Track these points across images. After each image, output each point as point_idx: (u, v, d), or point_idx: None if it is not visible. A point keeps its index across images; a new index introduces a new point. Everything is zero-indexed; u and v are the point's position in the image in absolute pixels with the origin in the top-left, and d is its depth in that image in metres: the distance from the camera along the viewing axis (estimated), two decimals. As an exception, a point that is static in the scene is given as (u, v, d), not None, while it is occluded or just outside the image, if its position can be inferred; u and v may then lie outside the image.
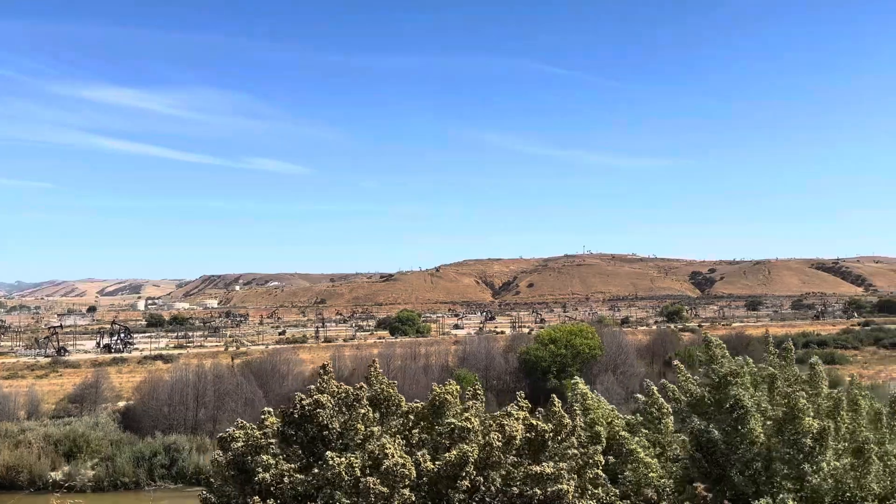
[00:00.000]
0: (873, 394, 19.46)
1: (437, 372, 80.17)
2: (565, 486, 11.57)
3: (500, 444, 12.02)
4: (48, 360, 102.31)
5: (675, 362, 17.85)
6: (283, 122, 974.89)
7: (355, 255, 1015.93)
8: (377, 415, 13.18)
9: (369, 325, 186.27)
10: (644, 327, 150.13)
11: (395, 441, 12.15)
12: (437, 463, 11.78)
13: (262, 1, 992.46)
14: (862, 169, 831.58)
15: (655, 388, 16.10)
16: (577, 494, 11.99)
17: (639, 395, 17.10)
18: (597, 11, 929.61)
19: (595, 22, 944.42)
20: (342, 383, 13.43)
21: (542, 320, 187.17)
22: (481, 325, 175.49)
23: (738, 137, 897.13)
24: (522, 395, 14.94)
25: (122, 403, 73.98)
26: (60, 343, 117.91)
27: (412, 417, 13.59)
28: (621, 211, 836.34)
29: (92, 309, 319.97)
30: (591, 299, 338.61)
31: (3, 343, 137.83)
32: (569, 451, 12.79)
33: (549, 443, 12.80)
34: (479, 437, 12.26)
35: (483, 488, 11.89)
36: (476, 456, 11.74)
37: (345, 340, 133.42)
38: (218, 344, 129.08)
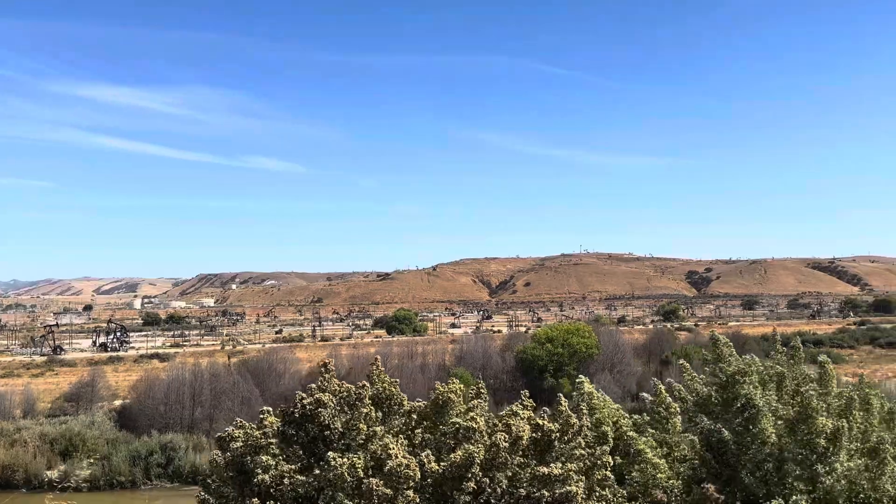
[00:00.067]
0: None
1: (434, 371, 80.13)
2: (574, 488, 11.33)
3: (506, 444, 11.77)
4: (44, 358, 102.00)
5: (681, 361, 17.69)
6: (280, 120, 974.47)
7: (352, 254, 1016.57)
8: (379, 414, 12.95)
9: (366, 324, 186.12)
10: (640, 326, 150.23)
11: (398, 441, 11.92)
12: (441, 464, 11.54)
13: (261, 0, 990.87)
14: (859, 169, 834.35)
15: (663, 388, 15.85)
16: (584, 496, 11.76)
17: (645, 395, 16.83)
18: (596, 11, 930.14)
19: (594, 22, 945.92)
20: (343, 382, 13.21)
21: (539, 319, 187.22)
22: (478, 324, 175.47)
23: (734, 137, 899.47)
24: (526, 394, 14.67)
25: (118, 402, 73.79)
26: (56, 342, 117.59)
27: (414, 417, 13.34)
28: (618, 210, 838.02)
29: (88, 307, 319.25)
30: (587, 298, 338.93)
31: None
32: (576, 452, 12.53)
33: (556, 443, 12.57)
34: (485, 438, 12.03)
35: (489, 490, 11.64)
36: (482, 457, 11.52)
37: (342, 339, 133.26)
38: (214, 343, 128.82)
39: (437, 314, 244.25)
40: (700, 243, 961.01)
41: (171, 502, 55.10)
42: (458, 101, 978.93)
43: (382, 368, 13.89)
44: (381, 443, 11.65)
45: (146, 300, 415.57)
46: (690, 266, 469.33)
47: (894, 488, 13.34)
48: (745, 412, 13.87)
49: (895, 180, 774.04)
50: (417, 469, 11.19)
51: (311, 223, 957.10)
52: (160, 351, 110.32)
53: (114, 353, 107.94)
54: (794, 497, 12.62)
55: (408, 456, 11.37)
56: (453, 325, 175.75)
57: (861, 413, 14.59)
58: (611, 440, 14.25)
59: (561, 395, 14.48)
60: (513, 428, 12.08)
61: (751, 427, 13.73)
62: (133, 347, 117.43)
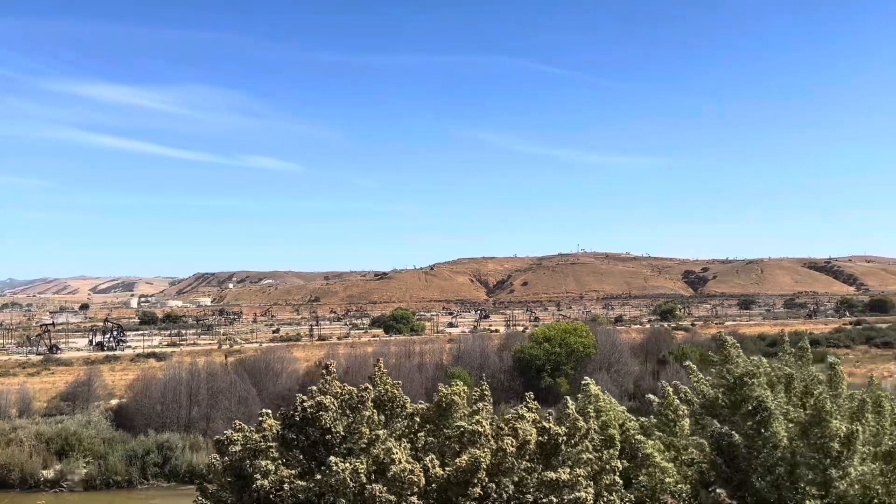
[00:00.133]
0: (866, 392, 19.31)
1: (432, 370, 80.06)
2: (583, 494, 11.07)
3: (513, 449, 11.48)
4: (40, 357, 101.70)
5: (687, 363, 17.49)
6: (278, 120, 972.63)
7: (350, 254, 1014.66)
8: (382, 417, 12.67)
9: (363, 324, 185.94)
10: (637, 326, 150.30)
11: (401, 445, 11.67)
12: (446, 469, 11.26)
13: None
14: (855, 169, 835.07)
15: (671, 390, 15.60)
16: (592, 502, 11.50)
17: (651, 396, 16.58)
18: (594, 10, 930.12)
19: (592, 21, 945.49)
20: (345, 384, 12.88)
21: (537, 319, 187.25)
22: (476, 324, 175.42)
23: (731, 137, 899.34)
24: (531, 396, 14.37)
25: (114, 401, 73.58)
26: (52, 341, 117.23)
27: (417, 420, 13.06)
28: (616, 210, 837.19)
29: (84, 306, 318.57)
30: (584, 298, 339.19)
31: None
32: (583, 456, 12.25)
33: (563, 447, 12.27)
34: (491, 442, 11.75)
35: (495, 496, 11.36)
36: (488, 462, 11.24)
37: (339, 339, 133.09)
38: (211, 342, 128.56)
39: (434, 313, 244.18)
40: (697, 243, 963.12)
41: (168, 502, 54.95)
42: (457, 100, 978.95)
43: (385, 370, 13.64)
44: (383, 447, 11.42)
45: (143, 299, 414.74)
46: (687, 266, 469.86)
47: (909, 493, 13.10)
48: (756, 415, 13.61)
49: (892, 180, 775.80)
50: (422, 475, 10.93)
51: (309, 222, 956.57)
52: (157, 350, 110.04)
53: (110, 353, 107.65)
54: (807, 502, 12.42)
55: (411, 461, 11.12)
56: (451, 325, 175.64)
57: (873, 416, 14.35)
58: (618, 443, 13.98)
59: (567, 398, 14.23)
60: (519, 432, 11.81)
61: (762, 430, 13.49)
62: (129, 346, 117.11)
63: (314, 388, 12.84)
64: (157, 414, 65.53)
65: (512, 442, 11.59)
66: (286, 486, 11.41)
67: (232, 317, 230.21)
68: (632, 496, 13.32)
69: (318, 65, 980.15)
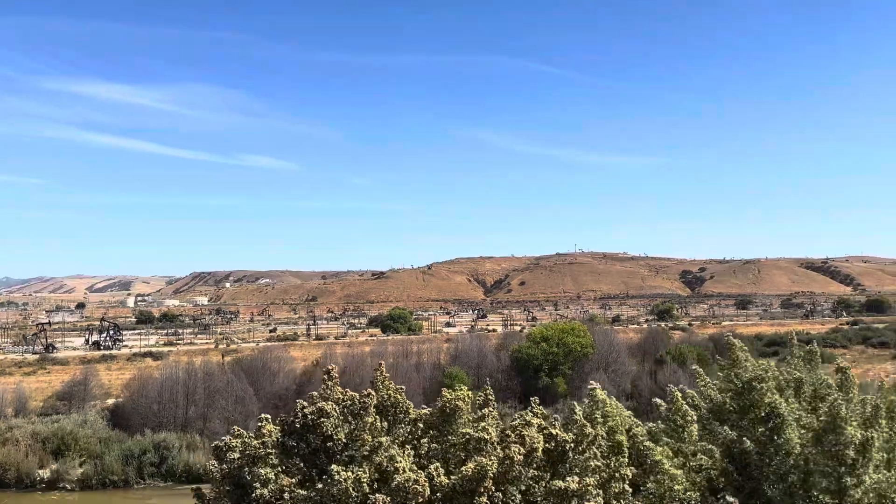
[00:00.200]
0: (862, 392, 19.06)
1: (430, 370, 79.99)
2: None
3: (520, 457, 11.13)
4: (36, 357, 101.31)
5: (694, 367, 17.28)
6: (276, 119, 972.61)
7: (347, 253, 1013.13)
8: (385, 424, 12.32)
9: (361, 323, 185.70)
10: (635, 326, 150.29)
11: (404, 452, 11.37)
12: (452, 478, 10.93)
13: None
14: (853, 169, 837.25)
15: (679, 395, 15.27)
16: None
17: (658, 401, 16.26)
18: (593, 9, 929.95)
19: (590, 20, 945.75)
20: (347, 389, 12.51)
21: (534, 318, 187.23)
22: (473, 323, 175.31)
23: (730, 137, 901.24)
24: (536, 401, 14.00)
25: (111, 401, 73.37)
26: (49, 340, 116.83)
27: (421, 426, 12.72)
28: (613, 210, 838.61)
29: (81, 306, 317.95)
30: (582, 298, 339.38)
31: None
32: (591, 464, 11.89)
33: (570, 454, 11.96)
34: (497, 450, 11.42)
35: None
36: (495, 470, 10.89)
37: (336, 338, 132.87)
38: (208, 341, 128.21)
39: (432, 313, 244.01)
40: (694, 243, 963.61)
41: (165, 501, 54.83)
42: (456, 100, 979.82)
43: (387, 374, 13.26)
44: (386, 455, 11.12)
45: (139, 298, 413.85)
46: (684, 266, 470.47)
47: (926, 502, 12.83)
48: (769, 421, 13.34)
49: (889, 181, 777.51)
50: (426, 484, 10.62)
51: (306, 222, 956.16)
52: (153, 349, 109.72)
53: (107, 352, 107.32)
54: (822, 510, 12.09)
55: (416, 469, 10.83)
56: (448, 324, 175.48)
57: (886, 421, 14.07)
58: (626, 450, 13.64)
59: (575, 403, 13.94)
60: (527, 439, 11.47)
61: (775, 437, 13.22)
62: (126, 346, 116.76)
63: (315, 393, 12.54)
64: (154, 413, 65.36)
65: (519, 449, 11.28)
66: (286, 496, 11.12)
67: (229, 316, 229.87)
68: (639, 504, 13.08)
69: (317, 64, 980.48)
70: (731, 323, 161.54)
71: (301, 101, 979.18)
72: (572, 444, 12.04)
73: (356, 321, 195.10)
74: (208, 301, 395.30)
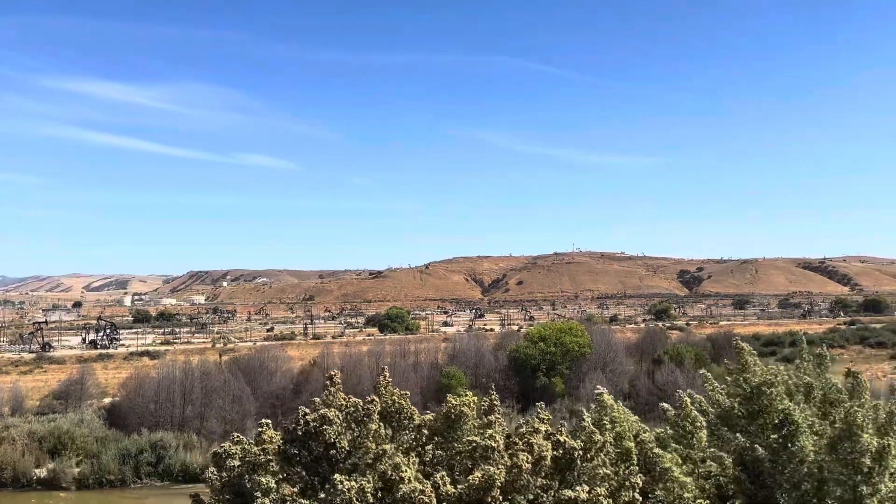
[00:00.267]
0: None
1: (427, 370, 79.89)
2: None
3: (528, 465, 10.79)
4: (32, 355, 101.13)
5: (702, 371, 16.94)
6: (273, 118, 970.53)
7: (344, 252, 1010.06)
8: (388, 431, 11.95)
9: (358, 322, 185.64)
10: (632, 325, 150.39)
11: (409, 460, 11.01)
12: (458, 487, 10.57)
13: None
14: (850, 169, 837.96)
15: (688, 400, 14.86)
16: None
17: (664, 405, 15.94)
18: (593, 8, 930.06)
19: (591, 21, 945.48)
20: (350, 396, 12.14)
21: (532, 318, 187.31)
22: (471, 323, 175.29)
23: (728, 137, 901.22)
24: (542, 406, 13.62)
25: (107, 400, 73.21)
26: (45, 339, 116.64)
27: (425, 432, 12.39)
28: (611, 209, 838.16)
29: (77, 304, 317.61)
30: (579, 297, 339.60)
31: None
32: (599, 472, 11.52)
33: (578, 462, 11.57)
34: (505, 458, 11.09)
35: None
36: (502, 479, 10.53)
37: (333, 337, 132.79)
38: (205, 340, 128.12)
39: (429, 312, 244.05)
40: (692, 242, 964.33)
41: (161, 501, 54.70)
42: (454, 100, 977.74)
43: (390, 379, 12.85)
44: (391, 463, 10.78)
45: (136, 297, 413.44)
46: (682, 265, 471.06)
47: (943, 512, 12.52)
48: (782, 428, 12.98)
49: (885, 181, 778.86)
50: (432, 494, 10.25)
51: (304, 221, 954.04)
52: (150, 348, 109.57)
53: (103, 351, 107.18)
54: (835, 519, 11.85)
55: (421, 478, 10.52)
56: (446, 324, 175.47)
57: None
58: (635, 457, 13.29)
59: (584, 409, 13.58)
60: (535, 447, 11.15)
61: (789, 445, 12.87)
62: (123, 345, 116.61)
63: (317, 399, 12.18)
64: (151, 413, 65.19)
65: (527, 458, 10.96)
66: (288, 506, 10.77)
67: (226, 315, 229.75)
68: (649, 512, 12.75)
69: (316, 64, 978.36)
70: (729, 323, 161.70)
71: (300, 101, 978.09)
72: (580, 452, 11.73)
73: (353, 320, 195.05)
74: (205, 300, 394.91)
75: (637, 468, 12.62)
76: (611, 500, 11.24)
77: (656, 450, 13.59)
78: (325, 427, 11.27)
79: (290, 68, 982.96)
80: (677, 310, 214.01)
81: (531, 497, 11.24)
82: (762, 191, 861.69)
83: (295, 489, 11.15)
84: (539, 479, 11.27)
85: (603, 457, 11.98)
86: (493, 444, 11.11)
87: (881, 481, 12.32)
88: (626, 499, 11.61)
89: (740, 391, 14.43)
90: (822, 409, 14.41)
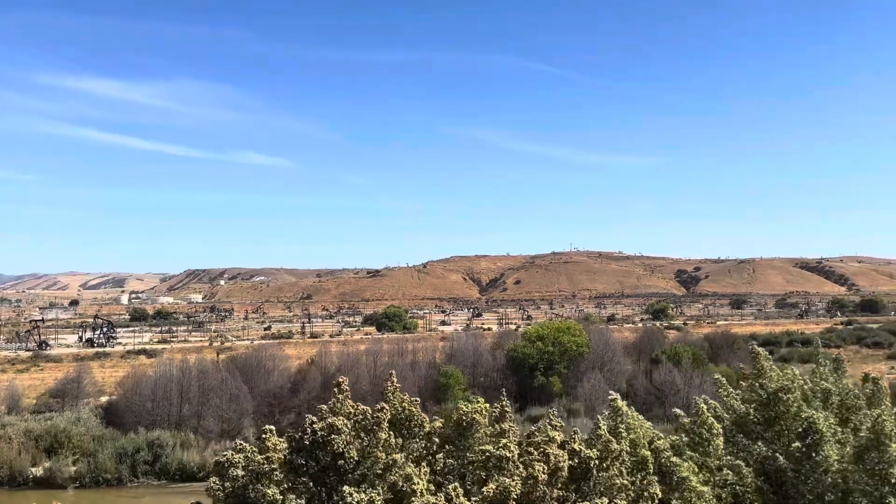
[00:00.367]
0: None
1: (425, 369, 79.79)
2: None
3: (545, 476, 10.28)
4: (29, 354, 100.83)
5: (717, 376, 16.64)
6: (271, 115, 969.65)
7: (342, 251, 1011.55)
8: (399, 440, 11.44)
9: (356, 321, 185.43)
10: (630, 325, 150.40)
11: (420, 470, 10.47)
12: (472, 499, 10.07)
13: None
14: (848, 169, 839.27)
15: (705, 407, 14.34)
16: None
17: (677, 411, 15.50)
18: (592, 8, 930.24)
19: (591, 21, 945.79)
20: (358, 404, 11.63)
21: (529, 317, 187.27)
22: (468, 322, 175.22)
23: (725, 136, 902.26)
24: (554, 412, 13.15)
25: (104, 398, 73.02)
26: (42, 337, 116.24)
27: (436, 440, 11.88)
28: (609, 209, 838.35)
29: (74, 302, 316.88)
30: (577, 297, 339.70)
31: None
32: (616, 482, 11.03)
33: (594, 471, 11.05)
34: (520, 468, 10.59)
35: None
36: (518, 491, 9.96)
37: (331, 336, 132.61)
38: (202, 339, 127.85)
39: (427, 311, 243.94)
40: (689, 242, 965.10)
41: (158, 500, 54.58)
42: (452, 98, 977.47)
43: (398, 384, 12.38)
44: (402, 473, 10.30)
45: (133, 295, 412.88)
46: (679, 265, 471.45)
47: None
48: (806, 437, 12.49)
49: (884, 181, 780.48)
50: None
51: (301, 219, 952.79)
52: (147, 347, 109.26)
53: (100, 349, 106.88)
54: (861, 532, 11.42)
55: (433, 490, 10.04)
56: (443, 323, 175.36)
57: None
58: (651, 466, 12.74)
59: (600, 417, 13.17)
60: (551, 457, 10.64)
61: (812, 454, 12.33)
62: (120, 343, 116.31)
63: (324, 407, 11.72)
64: (148, 411, 65.04)
65: (543, 468, 10.46)
66: (295, 518, 10.36)
67: (223, 314, 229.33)
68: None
69: (314, 62, 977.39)
70: (726, 323, 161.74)
71: (298, 99, 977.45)
72: (596, 461, 11.26)
73: (351, 319, 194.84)
74: (202, 298, 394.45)
75: (656, 478, 12.17)
76: (629, 512, 10.82)
77: (673, 458, 13.17)
78: (333, 436, 10.78)
79: (289, 66, 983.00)
80: (675, 309, 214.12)
81: (547, 509, 10.79)
82: (760, 191, 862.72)
83: (302, 501, 10.72)
84: (555, 491, 10.77)
85: (619, 466, 11.51)
86: (508, 454, 10.66)
87: (908, 492, 12.11)
88: (644, 510, 11.16)
89: (756, 397, 14.05)
90: (840, 416, 14.07)
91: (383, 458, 10.71)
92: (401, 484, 10.03)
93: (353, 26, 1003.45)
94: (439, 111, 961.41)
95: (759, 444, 13.41)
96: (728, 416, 14.50)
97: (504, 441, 11.18)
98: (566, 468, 10.84)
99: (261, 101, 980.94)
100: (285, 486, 10.90)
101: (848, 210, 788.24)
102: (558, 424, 12.39)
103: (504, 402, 12.72)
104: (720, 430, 13.97)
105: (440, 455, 11.75)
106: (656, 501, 11.44)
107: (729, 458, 13.80)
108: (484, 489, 10.06)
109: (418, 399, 12.31)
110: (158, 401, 65.99)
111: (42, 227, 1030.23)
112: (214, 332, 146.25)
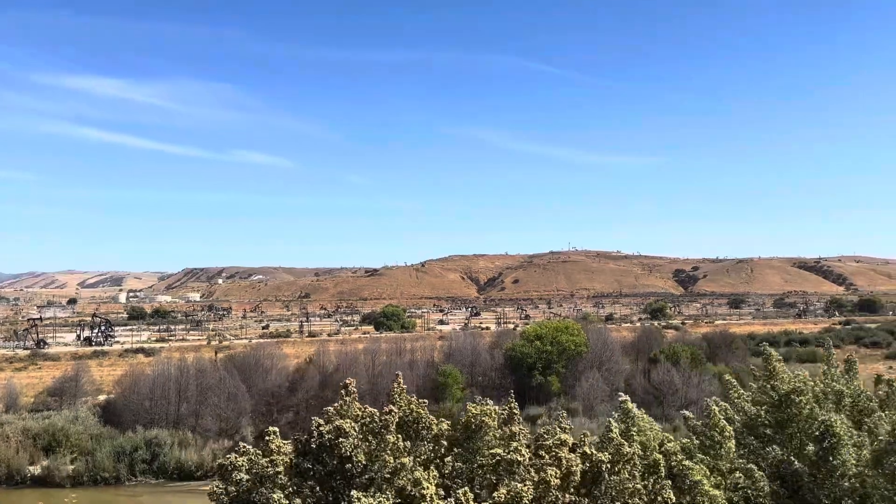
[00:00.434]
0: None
1: (423, 368, 79.62)
2: None
3: (557, 481, 10.06)
4: (27, 352, 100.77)
5: (727, 377, 16.45)
6: (270, 115, 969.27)
7: (340, 250, 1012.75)
8: (407, 443, 11.18)
9: (354, 320, 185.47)
10: (628, 324, 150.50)
11: (429, 475, 10.24)
12: None
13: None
14: (847, 169, 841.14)
15: (717, 409, 14.08)
16: None
17: (686, 413, 15.25)
18: (593, 10, 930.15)
19: (591, 21, 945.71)
20: (366, 406, 11.37)
21: (527, 316, 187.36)
22: (466, 321, 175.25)
23: (725, 136, 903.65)
24: (564, 414, 12.93)
25: (102, 397, 72.85)
26: (40, 335, 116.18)
27: (444, 443, 11.69)
28: (607, 208, 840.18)
29: (72, 301, 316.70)
30: (575, 296, 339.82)
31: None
32: (628, 486, 10.81)
33: (606, 475, 10.84)
34: (531, 473, 10.40)
35: None
36: (531, 496, 9.75)
37: (329, 335, 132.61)
38: (200, 338, 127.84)
39: (425, 310, 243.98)
40: (687, 242, 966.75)
41: (156, 498, 54.45)
42: (451, 98, 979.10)
43: (404, 386, 12.09)
44: (410, 477, 10.09)
45: (131, 294, 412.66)
46: (678, 265, 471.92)
47: None
48: (823, 441, 12.31)
49: (883, 181, 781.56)
50: None
51: (300, 218, 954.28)
52: (145, 345, 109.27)
53: (98, 348, 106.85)
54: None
55: (443, 494, 9.85)
56: (441, 322, 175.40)
57: None
58: (663, 469, 12.47)
59: (611, 420, 12.98)
60: (563, 461, 10.41)
61: (831, 458, 12.17)
62: (118, 342, 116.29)
63: (331, 409, 11.46)
64: (146, 410, 64.86)
65: (556, 473, 10.24)
66: (301, 523, 10.11)
67: (221, 312, 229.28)
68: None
69: (314, 61, 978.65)
70: (724, 322, 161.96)
71: (298, 98, 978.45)
72: (608, 465, 11.02)
73: (349, 318, 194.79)
74: (200, 297, 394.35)
75: (669, 482, 11.92)
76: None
77: (686, 462, 12.89)
78: (340, 440, 10.52)
79: (289, 66, 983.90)
80: (673, 309, 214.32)
81: (560, 515, 10.54)
82: (759, 190, 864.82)
83: (307, 505, 10.45)
84: (567, 496, 10.56)
85: (631, 469, 11.29)
86: (519, 458, 10.44)
87: (929, 498, 11.76)
88: (658, 514, 10.94)
89: (767, 399, 13.88)
90: (853, 418, 13.89)
91: (391, 461, 10.46)
92: (409, 489, 9.83)
93: (353, 26, 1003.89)
94: (439, 111, 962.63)
95: (775, 447, 13.24)
96: (739, 419, 14.31)
97: (515, 445, 10.97)
98: (579, 473, 10.64)
99: (260, 101, 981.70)
100: (290, 489, 10.66)
101: (846, 210, 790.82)
102: (568, 427, 12.16)
103: (512, 405, 12.48)
104: (731, 433, 13.77)
105: (448, 458, 11.49)
106: None
107: (741, 461, 13.60)
108: (495, 494, 9.84)
109: (426, 401, 12.09)
110: (156, 399, 65.82)
111: (41, 226, 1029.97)
112: (212, 330, 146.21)
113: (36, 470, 56.60)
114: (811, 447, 12.81)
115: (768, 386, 14.06)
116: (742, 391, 14.96)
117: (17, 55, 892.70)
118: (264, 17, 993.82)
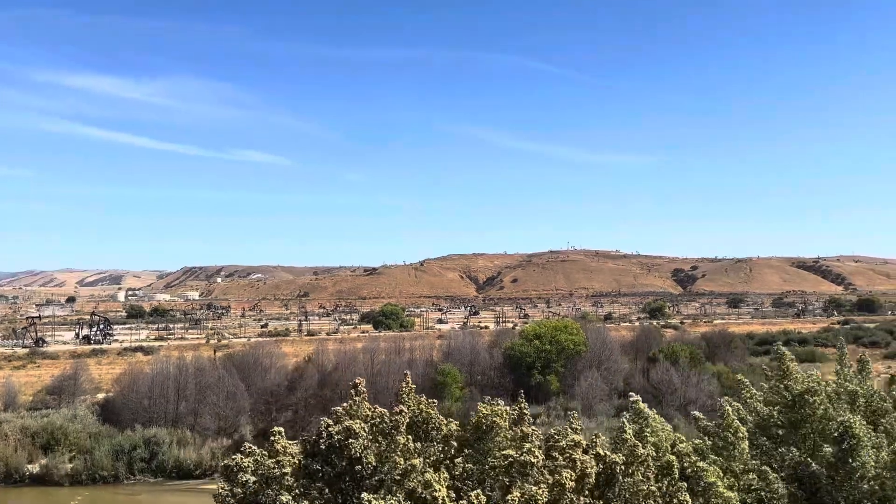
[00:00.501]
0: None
1: (422, 367, 79.49)
2: None
3: (572, 483, 9.87)
4: (26, 350, 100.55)
5: (739, 377, 16.21)
6: (269, 113, 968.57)
7: (339, 249, 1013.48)
8: (417, 444, 11.00)
9: (353, 319, 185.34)
10: (627, 324, 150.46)
11: (440, 476, 10.13)
12: None
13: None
14: (845, 169, 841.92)
15: (730, 410, 13.85)
16: None
17: (697, 414, 15.04)
18: (593, 9, 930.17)
19: (590, 20, 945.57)
20: (375, 406, 11.17)
21: (526, 316, 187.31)
22: (465, 320, 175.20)
23: (724, 136, 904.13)
24: (575, 415, 12.66)
25: (101, 396, 72.71)
26: (38, 334, 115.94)
27: (454, 444, 11.51)
28: (606, 208, 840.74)
29: (71, 299, 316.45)
30: (574, 295, 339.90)
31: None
32: (642, 488, 10.64)
33: (619, 477, 10.69)
34: (545, 475, 10.23)
35: None
36: (545, 499, 9.61)
37: (328, 334, 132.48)
38: (199, 336, 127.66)
39: (424, 309, 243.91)
40: (686, 241, 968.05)
41: (155, 497, 54.33)
42: (451, 96, 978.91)
43: (413, 385, 11.84)
44: (421, 479, 9.94)
45: (130, 292, 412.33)
46: (676, 264, 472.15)
47: None
48: (842, 442, 12.17)
49: (881, 181, 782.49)
50: None
51: (299, 217, 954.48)
52: (144, 344, 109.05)
53: (97, 346, 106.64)
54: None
55: (454, 497, 9.69)
56: (440, 321, 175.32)
57: None
58: (677, 471, 12.29)
59: (625, 420, 12.84)
60: (577, 462, 10.22)
61: (850, 460, 12.01)
62: (117, 340, 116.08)
63: (340, 409, 11.26)
64: (145, 408, 64.74)
65: (570, 475, 10.06)
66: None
67: (220, 311, 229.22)
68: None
69: (313, 60, 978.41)
70: (723, 322, 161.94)
71: (296, 97, 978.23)
72: (622, 467, 10.89)
73: (348, 317, 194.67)
74: (199, 296, 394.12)
75: (685, 484, 11.84)
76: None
77: (700, 463, 12.79)
78: (350, 441, 10.36)
79: (289, 64, 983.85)
80: (671, 308, 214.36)
81: (573, 518, 10.38)
82: (758, 190, 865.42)
83: (316, 508, 10.31)
84: (581, 498, 10.42)
85: (645, 471, 11.13)
86: (532, 460, 10.25)
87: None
88: (674, 517, 10.80)
89: (780, 399, 13.77)
90: (867, 419, 13.77)
91: (402, 463, 10.29)
92: (420, 491, 9.67)
93: (352, 25, 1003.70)
94: (438, 110, 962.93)
95: (792, 448, 13.08)
96: (752, 419, 14.16)
97: (528, 446, 10.80)
98: (593, 475, 10.49)
99: (260, 99, 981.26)
100: (298, 491, 10.50)
101: (845, 210, 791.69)
102: (580, 427, 11.96)
103: (523, 405, 12.28)
104: (745, 434, 13.60)
105: (458, 460, 11.34)
106: None
107: (754, 462, 13.47)
108: (508, 497, 9.69)
109: (435, 401, 11.87)
110: (155, 398, 65.70)
111: (40, 224, 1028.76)
112: (211, 329, 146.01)
113: (34, 468, 56.48)
114: (827, 448, 12.67)
115: (781, 386, 13.94)
116: (754, 391, 14.82)
117: (17, 53, 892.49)
118: (264, 15, 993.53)
